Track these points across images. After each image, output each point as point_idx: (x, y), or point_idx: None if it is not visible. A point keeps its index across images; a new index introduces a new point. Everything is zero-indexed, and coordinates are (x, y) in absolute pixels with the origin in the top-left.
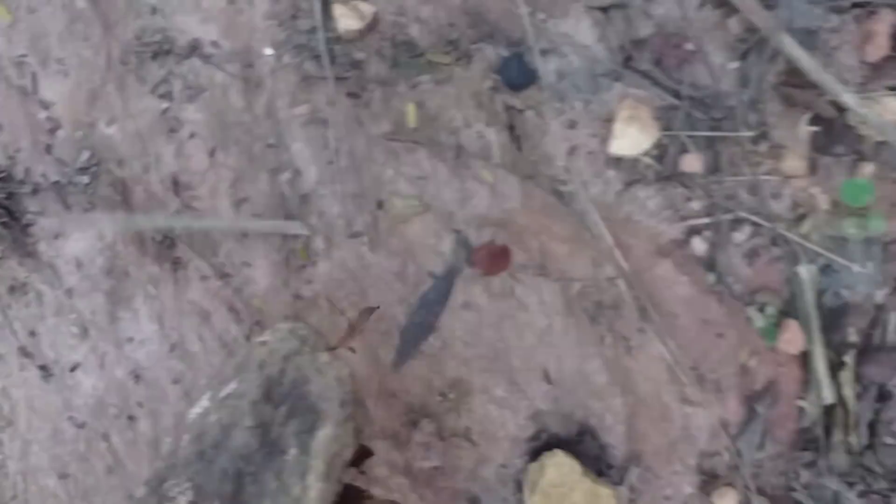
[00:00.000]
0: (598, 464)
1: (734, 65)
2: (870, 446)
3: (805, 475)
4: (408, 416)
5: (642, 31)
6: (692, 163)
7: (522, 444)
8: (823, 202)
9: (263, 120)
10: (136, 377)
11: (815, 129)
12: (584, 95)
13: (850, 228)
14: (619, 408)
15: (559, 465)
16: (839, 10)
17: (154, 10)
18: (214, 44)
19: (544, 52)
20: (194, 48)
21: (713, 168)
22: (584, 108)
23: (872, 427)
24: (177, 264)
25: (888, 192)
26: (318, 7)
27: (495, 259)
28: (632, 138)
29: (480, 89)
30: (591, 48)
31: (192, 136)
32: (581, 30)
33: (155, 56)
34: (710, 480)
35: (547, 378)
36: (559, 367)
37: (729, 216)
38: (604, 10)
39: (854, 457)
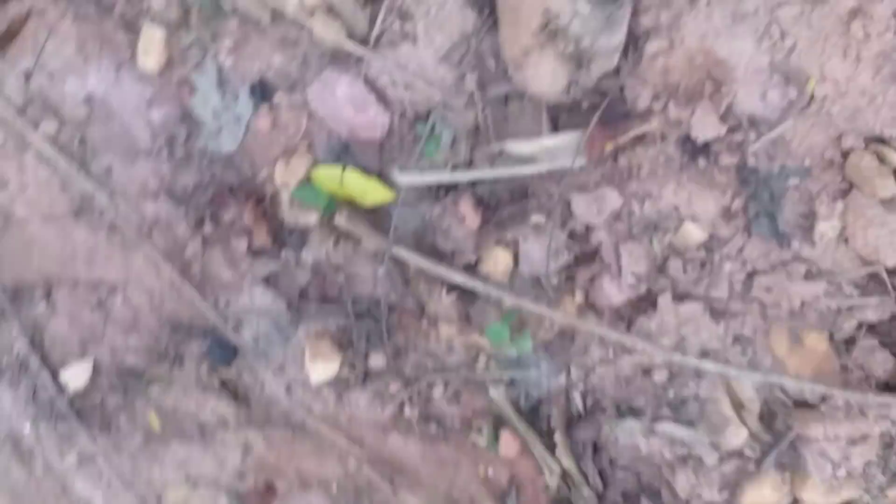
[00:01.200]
0: None
1: (381, 270)
2: (606, 485)
3: None
4: None
5: (301, 279)
6: (377, 360)
7: None
8: (485, 342)
9: (45, 478)
10: None
11: (455, 294)
12: (280, 346)
13: (511, 351)
14: None
15: None
16: (438, 200)
17: None
18: None
19: (236, 328)
20: None
21: (395, 355)
22: (284, 354)
23: (602, 473)
24: None
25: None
26: (49, 382)
27: (265, 497)
28: (321, 368)
29: (200, 376)
30: (270, 308)
31: None
32: (255, 298)
33: None
34: None
35: None
36: None
37: (423, 382)
38: (266, 278)
39: (600, 500)
